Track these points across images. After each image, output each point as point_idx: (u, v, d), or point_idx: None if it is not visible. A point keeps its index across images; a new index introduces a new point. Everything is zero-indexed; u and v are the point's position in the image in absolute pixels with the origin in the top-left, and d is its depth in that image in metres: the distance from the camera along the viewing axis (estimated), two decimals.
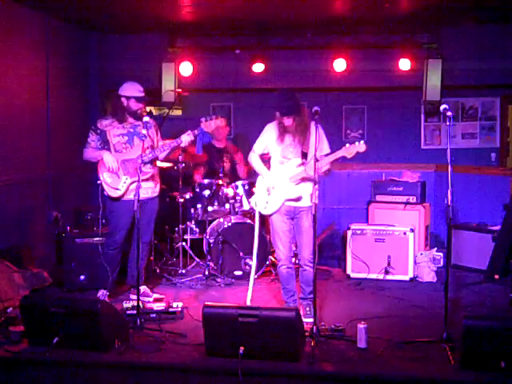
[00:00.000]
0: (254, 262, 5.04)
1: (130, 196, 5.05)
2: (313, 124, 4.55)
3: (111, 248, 5.20)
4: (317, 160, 4.36)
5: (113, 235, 5.20)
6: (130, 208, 4.97)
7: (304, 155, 4.71)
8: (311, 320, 4.44)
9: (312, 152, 4.56)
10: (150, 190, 5.19)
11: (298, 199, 4.75)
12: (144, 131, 4.76)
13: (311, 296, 4.71)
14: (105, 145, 5.12)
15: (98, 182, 5.13)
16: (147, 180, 5.14)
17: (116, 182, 5.08)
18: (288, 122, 4.69)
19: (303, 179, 4.71)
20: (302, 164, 4.70)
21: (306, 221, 4.72)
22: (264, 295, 5.49)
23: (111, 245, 5.21)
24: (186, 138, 5.05)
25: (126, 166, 5.08)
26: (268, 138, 4.87)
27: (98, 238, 5.58)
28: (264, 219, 6.42)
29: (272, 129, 4.87)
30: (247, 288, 5.60)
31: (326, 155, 4.65)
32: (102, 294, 5.20)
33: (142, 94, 5.14)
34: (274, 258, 6.19)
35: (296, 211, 4.79)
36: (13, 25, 5.99)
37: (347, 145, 4.48)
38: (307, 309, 4.79)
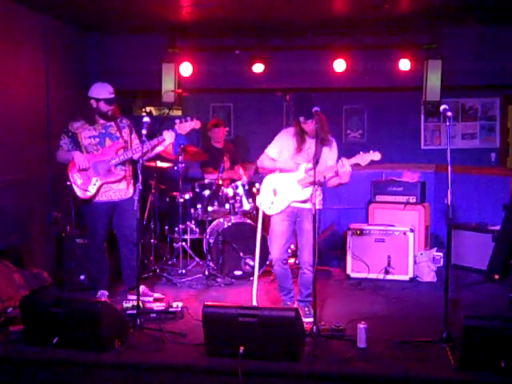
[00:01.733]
0: (256, 262, 5.07)
1: (103, 198, 5.06)
2: (331, 138, 4.75)
3: (94, 250, 5.22)
4: (317, 163, 4.42)
5: (93, 238, 5.22)
6: (104, 210, 5.04)
7: (317, 161, 4.63)
8: (311, 320, 4.47)
9: (324, 159, 4.72)
10: (122, 191, 5.15)
11: (304, 201, 4.75)
12: (144, 131, 4.69)
13: (308, 299, 4.78)
14: (76, 147, 5.08)
15: (68, 182, 5.06)
16: (119, 181, 5.11)
17: (86, 184, 5.03)
18: (311, 125, 4.62)
19: (311, 183, 4.67)
20: (313, 169, 4.60)
21: (308, 223, 4.70)
22: (264, 295, 5.48)
23: (93, 247, 5.23)
24: (168, 136, 4.97)
25: (96, 168, 5.03)
26: (285, 145, 4.82)
27: None
28: (264, 219, 6.42)
29: (290, 136, 4.83)
30: (247, 288, 5.63)
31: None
32: (101, 294, 5.20)
33: (112, 96, 5.06)
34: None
35: (299, 213, 4.81)
36: (12, 25, 5.99)
37: (361, 152, 4.55)
38: (306, 309, 4.80)
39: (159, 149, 5.13)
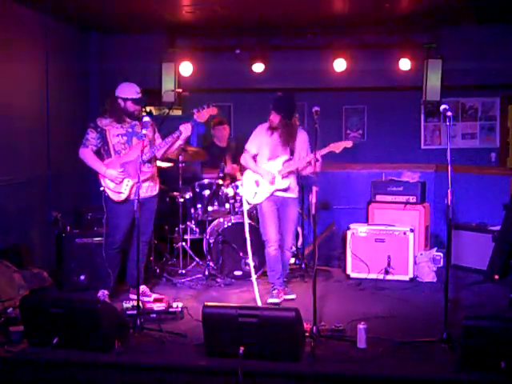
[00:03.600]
0: (250, 260, 5.28)
1: (132, 196, 5.05)
2: (300, 130, 5.23)
3: (111, 248, 5.18)
4: (317, 160, 4.55)
5: (113, 235, 5.19)
6: (131, 208, 4.98)
7: (291, 152, 5.16)
8: (293, 296, 5.20)
9: (298, 151, 5.18)
10: (149, 188, 5.18)
11: (285, 190, 5.18)
12: (144, 131, 4.75)
13: (285, 280, 5.36)
14: (104, 144, 5.10)
15: (101, 188, 5.09)
16: (147, 180, 5.14)
17: (118, 186, 5.06)
18: (275, 119, 5.13)
19: (290, 172, 5.18)
20: (289, 160, 5.15)
21: (292, 210, 5.24)
22: (263, 295, 5.47)
23: (111, 245, 5.19)
24: (183, 128, 5.02)
25: (126, 169, 5.06)
26: (260, 138, 5.24)
27: (97, 238, 5.59)
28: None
29: (263, 130, 5.25)
30: (247, 288, 5.65)
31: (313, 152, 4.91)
32: (102, 293, 5.19)
33: (139, 96, 5.09)
34: None
35: (284, 201, 5.22)
36: (12, 25, 5.99)
37: (331, 144, 5.00)
38: (286, 289, 5.29)
39: (178, 143, 5.21)
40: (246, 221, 5.31)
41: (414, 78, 7.36)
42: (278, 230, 5.18)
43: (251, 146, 5.28)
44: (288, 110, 5.13)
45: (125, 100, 5.07)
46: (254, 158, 5.30)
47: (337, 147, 4.98)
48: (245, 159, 5.32)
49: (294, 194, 5.26)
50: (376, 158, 7.56)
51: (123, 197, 5.07)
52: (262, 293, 5.20)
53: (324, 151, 4.96)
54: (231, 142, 7.11)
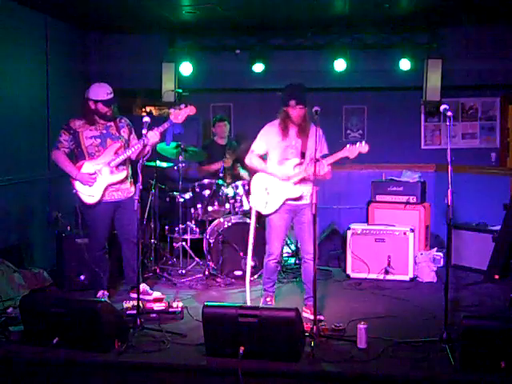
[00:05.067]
0: (248, 261, 5.12)
1: (106, 198, 5.04)
2: (312, 125, 4.62)
3: (96, 250, 5.19)
4: (317, 160, 4.38)
5: (94, 237, 5.19)
6: (107, 210, 5.03)
7: (302, 155, 4.74)
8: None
9: (310, 152, 4.66)
10: (125, 191, 5.14)
11: (298, 198, 4.77)
12: (144, 131, 4.72)
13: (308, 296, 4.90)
14: (77, 146, 5.03)
15: (74, 191, 5.04)
16: (122, 181, 5.11)
17: (90, 189, 5.01)
18: (300, 111, 4.66)
19: (303, 179, 4.72)
20: (300, 164, 4.72)
21: (307, 217, 4.73)
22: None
23: (94, 247, 5.20)
24: (151, 136, 4.91)
25: (99, 171, 5.00)
26: (269, 138, 4.83)
27: None
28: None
29: (273, 128, 4.84)
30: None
31: (326, 156, 4.66)
32: (101, 294, 5.20)
33: (110, 97, 4.98)
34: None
35: (298, 209, 4.83)
36: (12, 24, 5.99)
37: (348, 145, 4.52)
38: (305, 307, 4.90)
39: (147, 148, 5.05)
40: (253, 223, 5.02)
41: (414, 78, 7.36)
42: (283, 243, 5.00)
43: (258, 146, 4.87)
44: (306, 99, 4.63)
45: (95, 102, 4.98)
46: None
47: (351, 152, 4.49)
48: (250, 159, 4.90)
49: (307, 200, 4.77)
50: (376, 158, 7.55)
51: (95, 200, 5.01)
52: (258, 294, 5.21)
53: (336, 157, 4.57)
54: (232, 141, 7.11)
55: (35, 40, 6.46)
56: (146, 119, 4.81)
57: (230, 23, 7.09)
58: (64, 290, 5.61)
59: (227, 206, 6.25)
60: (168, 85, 7.42)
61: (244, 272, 5.97)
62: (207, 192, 6.29)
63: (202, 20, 7.00)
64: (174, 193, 6.46)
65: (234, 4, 6.25)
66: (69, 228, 5.86)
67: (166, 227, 6.61)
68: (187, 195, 6.34)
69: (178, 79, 7.50)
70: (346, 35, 7.42)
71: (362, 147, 4.47)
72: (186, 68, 7.47)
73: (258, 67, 7.46)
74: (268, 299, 5.07)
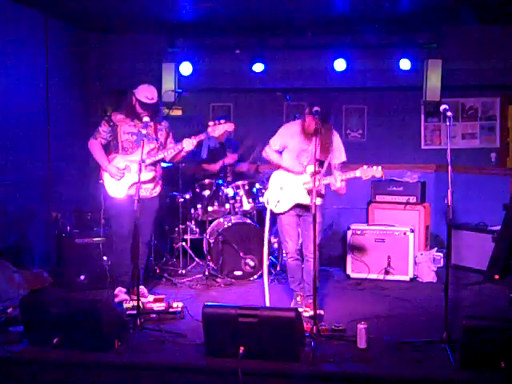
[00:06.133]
0: (265, 261, 5.05)
1: (131, 191, 5.04)
2: (334, 134, 4.78)
3: (121, 242, 5.14)
4: (317, 160, 4.39)
5: (119, 230, 5.16)
6: (130, 206, 4.98)
7: (321, 164, 4.71)
8: (310, 314, 4.67)
9: (329, 163, 4.77)
10: (148, 190, 5.17)
11: (307, 209, 4.77)
12: (144, 131, 4.75)
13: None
14: (113, 139, 5.12)
15: (101, 181, 5.14)
16: (148, 181, 5.13)
17: (116, 183, 5.09)
18: (311, 123, 4.65)
19: (317, 193, 4.61)
20: (318, 173, 4.57)
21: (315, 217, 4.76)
22: (264, 295, 5.47)
23: (119, 239, 5.17)
24: (186, 144, 5.00)
25: (129, 168, 5.08)
26: (289, 137, 4.86)
27: (97, 238, 5.59)
28: (264, 220, 6.41)
29: (295, 128, 4.86)
30: (247, 288, 5.69)
31: (342, 173, 4.75)
32: (119, 291, 5.18)
33: (150, 102, 5.03)
34: (274, 258, 6.22)
35: (306, 210, 4.85)
36: (12, 24, 5.99)
37: (364, 166, 4.62)
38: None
39: (182, 154, 5.17)
40: (268, 221, 4.98)
41: (414, 78, 7.35)
42: (297, 240, 5.01)
43: (276, 142, 4.89)
44: (326, 114, 4.62)
45: (136, 100, 5.08)
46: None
47: (365, 174, 4.59)
48: (267, 153, 4.93)
49: (317, 202, 4.64)
50: (376, 158, 7.54)
51: (119, 194, 5.08)
52: (258, 294, 5.20)
53: (349, 176, 4.68)
54: (231, 140, 7.11)
55: (35, 40, 6.45)
56: (146, 119, 4.84)
57: (229, 23, 7.08)
58: (64, 290, 5.60)
59: (227, 206, 6.25)
60: (168, 85, 7.41)
61: (244, 272, 5.98)
62: (207, 192, 6.29)
63: (202, 20, 6.99)
64: (174, 193, 6.46)
65: (234, 4, 6.25)
66: (69, 228, 5.85)
67: (166, 227, 6.61)
68: (187, 195, 6.34)
69: (178, 79, 7.49)
70: (345, 35, 7.42)
71: (377, 171, 4.59)
72: (186, 68, 7.47)
73: (258, 67, 7.45)
74: (298, 299, 5.06)
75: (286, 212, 4.90)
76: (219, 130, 4.96)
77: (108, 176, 5.10)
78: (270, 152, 4.93)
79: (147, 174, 5.08)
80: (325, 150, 4.70)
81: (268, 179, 5.10)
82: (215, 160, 6.68)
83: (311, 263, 4.78)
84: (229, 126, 5.00)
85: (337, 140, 4.86)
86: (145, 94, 5.05)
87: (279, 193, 4.91)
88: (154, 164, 5.16)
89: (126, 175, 5.08)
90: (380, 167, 4.57)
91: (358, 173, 4.63)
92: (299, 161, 4.84)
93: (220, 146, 6.88)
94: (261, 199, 6.24)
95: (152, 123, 5.13)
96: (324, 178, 4.72)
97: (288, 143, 4.87)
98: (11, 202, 5.94)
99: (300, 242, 5.06)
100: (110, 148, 5.19)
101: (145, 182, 5.07)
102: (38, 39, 6.49)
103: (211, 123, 4.99)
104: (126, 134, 5.11)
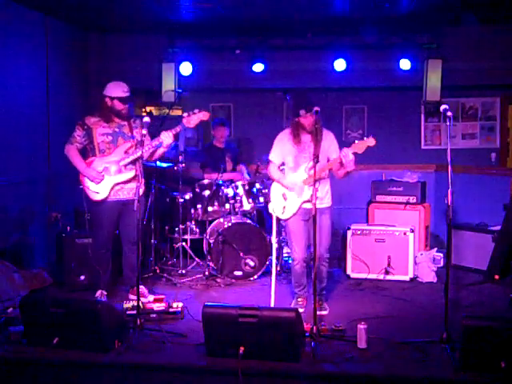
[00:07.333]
0: (273, 265, 5.08)
1: (112, 197, 5.06)
2: (324, 128, 4.79)
3: (99, 248, 5.19)
4: (317, 161, 4.40)
5: (98, 236, 5.20)
6: (113, 209, 5.05)
7: (316, 157, 4.68)
8: (325, 313, 4.87)
9: (325, 154, 4.81)
10: (131, 190, 5.11)
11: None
12: (144, 131, 4.72)
13: (323, 292, 5.06)
14: (89, 142, 5.10)
15: (80, 186, 5.10)
16: (129, 181, 5.11)
17: (97, 186, 5.04)
18: (311, 118, 4.70)
19: (318, 180, 4.67)
20: (313, 167, 4.60)
21: (324, 221, 4.84)
22: (264, 295, 5.47)
23: (97, 245, 5.21)
24: (165, 137, 4.98)
25: (107, 169, 5.05)
26: (283, 147, 4.95)
27: None
28: (264, 220, 6.41)
29: (285, 136, 4.96)
30: (247, 288, 5.69)
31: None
32: (100, 294, 5.19)
33: (127, 94, 5.07)
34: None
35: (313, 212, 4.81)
36: (12, 24, 5.99)
37: (356, 141, 4.63)
38: (320, 302, 4.90)
39: (162, 150, 5.15)
40: (274, 229, 5.08)
41: (414, 78, 7.35)
42: (305, 247, 5.00)
43: (275, 156, 4.98)
44: (308, 103, 4.69)
45: (112, 99, 5.06)
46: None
47: (359, 148, 4.61)
48: (270, 171, 5.03)
49: (325, 203, 4.90)
50: (376, 158, 7.55)
51: (100, 197, 5.05)
52: (259, 294, 5.21)
53: (353, 150, 4.65)
54: (231, 143, 7.11)
55: (35, 40, 6.45)
56: (146, 119, 4.83)
57: (230, 23, 7.09)
58: (64, 290, 5.60)
59: (227, 206, 6.25)
60: (168, 85, 7.42)
61: (244, 272, 5.98)
62: (207, 192, 6.29)
63: (202, 20, 6.99)
64: (174, 193, 6.46)
65: (234, 4, 6.25)
66: (68, 228, 5.85)
67: (166, 227, 6.61)
68: (187, 195, 6.34)
69: (178, 79, 7.50)
70: (346, 35, 7.42)
71: (369, 141, 4.60)
72: (186, 68, 7.47)
73: (258, 67, 7.45)
74: (299, 299, 5.06)
75: (294, 214, 4.90)
76: (194, 120, 4.96)
77: (88, 180, 5.06)
78: (272, 170, 5.00)
79: (128, 174, 5.07)
80: (318, 146, 4.67)
81: (268, 179, 5.12)
82: (217, 167, 6.61)
83: (323, 269, 4.93)
84: (203, 115, 4.98)
85: (329, 135, 4.91)
86: (119, 89, 5.06)
87: (283, 200, 4.96)
88: (134, 162, 5.10)
89: (106, 177, 5.05)
90: (371, 136, 4.61)
91: (351, 149, 4.60)
92: (298, 163, 4.88)
93: (219, 150, 6.88)
94: (261, 199, 6.27)
95: (126, 122, 5.12)
96: (333, 161, 4.74)
97: (284, 152, 4.94)
98: (11, 202, 5.94)
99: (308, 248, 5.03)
100: (87, 152, 5.15)
101: (126, 182, 5.07)
102: (37, 39, 6.49)
103: (185, 114, 4.99)
104: (101, 135, 5.08)
